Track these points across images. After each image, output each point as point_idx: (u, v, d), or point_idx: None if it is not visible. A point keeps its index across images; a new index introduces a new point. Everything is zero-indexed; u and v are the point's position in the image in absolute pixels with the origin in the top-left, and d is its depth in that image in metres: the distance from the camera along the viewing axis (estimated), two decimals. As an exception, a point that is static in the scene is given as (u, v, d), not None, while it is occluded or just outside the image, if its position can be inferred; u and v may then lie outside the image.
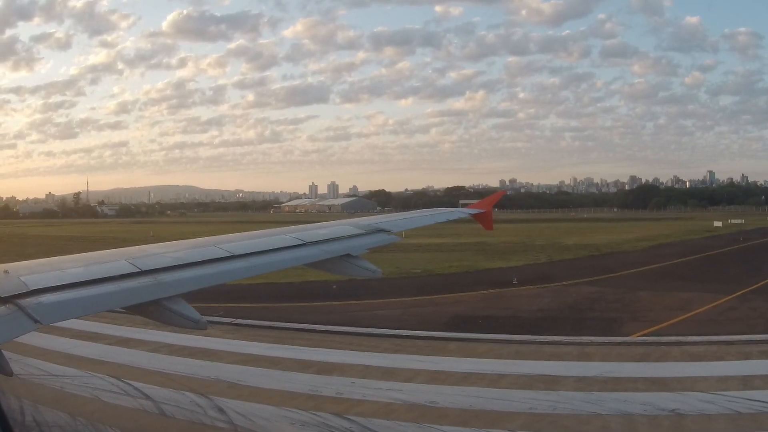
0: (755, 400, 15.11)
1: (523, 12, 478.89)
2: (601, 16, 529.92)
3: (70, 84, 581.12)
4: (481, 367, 18.86)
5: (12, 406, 14.71)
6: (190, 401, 15.73)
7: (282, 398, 16.07)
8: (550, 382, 17.28)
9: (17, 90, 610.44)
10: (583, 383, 17.15)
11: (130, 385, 16.95)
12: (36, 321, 6.22)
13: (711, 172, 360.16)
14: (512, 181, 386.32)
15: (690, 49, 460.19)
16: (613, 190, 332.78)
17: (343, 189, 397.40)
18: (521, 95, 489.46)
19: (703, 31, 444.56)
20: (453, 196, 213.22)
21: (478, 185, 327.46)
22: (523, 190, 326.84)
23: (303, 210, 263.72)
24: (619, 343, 22.03)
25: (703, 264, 49.26)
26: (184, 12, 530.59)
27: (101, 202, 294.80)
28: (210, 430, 14.05)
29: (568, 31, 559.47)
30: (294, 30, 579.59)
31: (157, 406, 15.39)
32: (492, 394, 16.30)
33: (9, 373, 6.70)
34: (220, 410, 15.05)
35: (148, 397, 15.95)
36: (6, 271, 7.15)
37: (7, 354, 6.56)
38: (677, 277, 40.43)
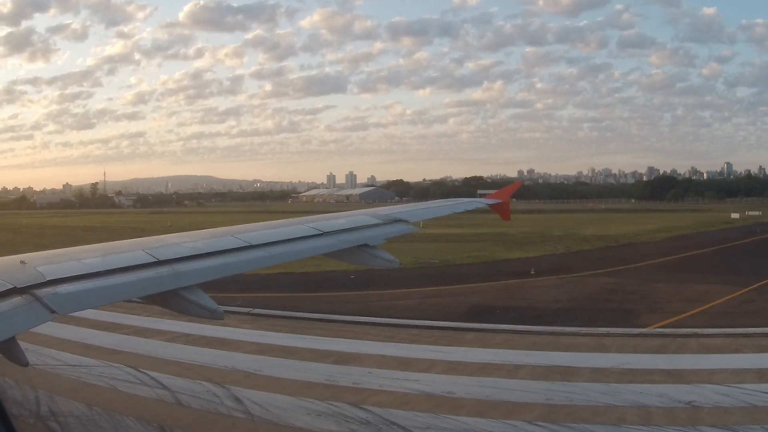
0: (772, 393, 15.04)
1: (540, 2, 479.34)
2: (619, 6, 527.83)
3: (86, 75, 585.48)
4: (498, 358, 18.83)
5: (27, 396, 14.74)
6: (207, 391, 15.74)
7: (299, 388, 16.06)
8: (567, 373, 17.23)
9: (34, 81, 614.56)
10: (600, 374, 17.10)
11: (146, 374, 16.98)
12: (52, 311, 6.19)
13: (728, 164, 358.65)
14: (530, 171, 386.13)
15: (707, 40, 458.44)
16: (630, 181, 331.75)
17: (361, 179, 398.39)
18: (539, 85, 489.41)
19: (720, 22, 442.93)
20: (471, 186, 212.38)
21: (496, 175, 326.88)
22: (540, 181, 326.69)
23: (321, 200, 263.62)
24: (635, 335, 21.89)
25: (720, 256, 49.07)
26: (201, 2, 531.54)
27: (118, 193, 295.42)
28: (226, 420, 14.05)
29: (585, 22, 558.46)
30: (311, 20, 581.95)
31: (173, 395, 15.41)
32: (509, 385, 16.27)
33: (24, 364, 6.69)
34: (237, 400, 15.05)
35: (165, 387, 15.97)
36: (22, 262, 7.12)
37: (23, 344, 6.54)
38: (694, 269, 40.34)
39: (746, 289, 31.03)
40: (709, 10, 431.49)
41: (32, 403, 14.47)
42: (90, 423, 13.82)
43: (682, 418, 13.82)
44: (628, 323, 24.14)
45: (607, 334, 21.81)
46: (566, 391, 15.68)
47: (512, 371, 17.58)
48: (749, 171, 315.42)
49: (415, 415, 14.15)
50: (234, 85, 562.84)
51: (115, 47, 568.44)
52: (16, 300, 6.14)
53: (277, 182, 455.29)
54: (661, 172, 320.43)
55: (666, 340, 20.90)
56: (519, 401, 15.10)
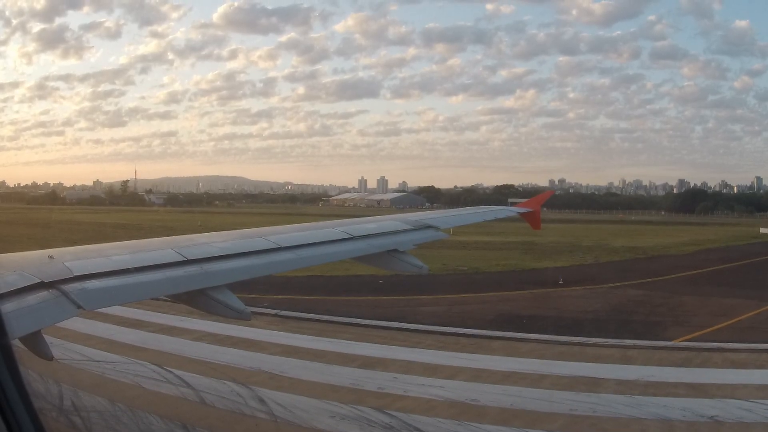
0: (797, 410, 14.89)
1: (574, 12, 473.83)
2: (651, 17, 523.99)
3: (119, 73, 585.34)
4: (524, 367, 18.77)
5: (51, 390, 14.78)
6: (231, 391, 15.77)
7: (323, 391, 16.07)
8: (592, 384, 17.18)
9: (66, 78, 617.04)
10: (624, 386, 17.05)
11: (171, 372, 17.03)
12: (79, 306, 6.19)
13: (759, 178, 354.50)
14: (561, 180, 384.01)
15: (739, 53, 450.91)
16: (661, 192, 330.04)
17: (393, 184, 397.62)
18: (571, 95, 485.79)
19: (752, 35, 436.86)
20: (502, 195, 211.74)
21: (527, 184, 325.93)
22: (572, 190, 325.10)
23: (352, 204, 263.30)
24: (661, 348, 21.77)
25: (748, 270, 48.52)
26: (235, 4, 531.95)
27: (149, 191, 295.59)
28: (249, 420, 14.06)
29: (618, 32, 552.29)
30: (345, 24, 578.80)
31: (197, 394, 15.45)
32: (533, 394, 16.25)
33: (49, 358, 6.69)
34: (261, 401, 15.07)
35: (189, 386, 16.02)
36: (51, 257, 7.12)
37: (48, 338, 6.54)
38: (721, 283, 39.95)
39: (774, 305, 30.66)
40: (741, 23, 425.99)
41: (55, 397, 14.53)
42: (113, 419, 13.89)
43: (705, 433, 13.78)
44: (653, 336, 23.92)
45: (633, 346, 21.67)
46: (590, 402, 15.65)
47: (537, 381, 17.52)
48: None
49: (439, 422, 14.15)
50: (267, 88, 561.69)
51: (149, 46, 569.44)
52: (42, 294, 6.14)
53: (309, 185, 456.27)
54: (692, 184, 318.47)
55: (691, 354, 20.82)
56: (543, 411, 15.09)
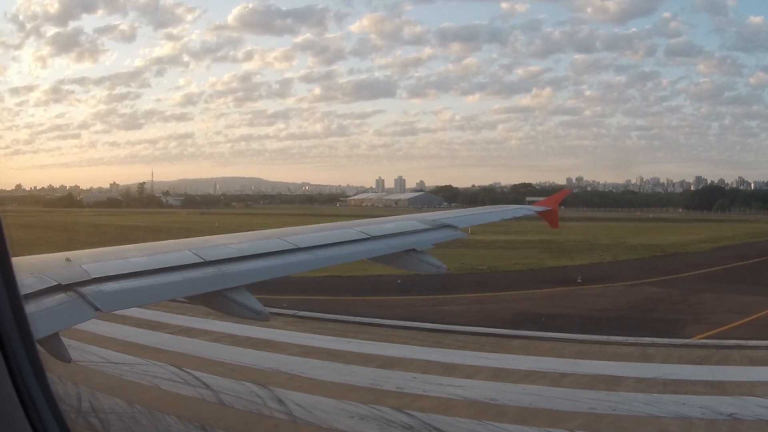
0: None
1: (589, 9, 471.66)
2: (666, 14, 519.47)
3: (135, 75, 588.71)
4: (543, 366, 18.70)
5: (69, 392, 14.80)
6: (250, 392, 15.74)
7: (342, 391, 16.03)
8: (611, 383, 17.10)
9: (81, 81, 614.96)
10: (643, 384, 16.96)
11: (189, 374, 17.02)
12: (96, 308, 6.19)
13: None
14: (579, 179, 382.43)
15: (754, 49, 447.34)
16: (678, 190, 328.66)
17: (410, 184, 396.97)
18: (587, 93, 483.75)
19: (766, 30, 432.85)
20: (520, 193, 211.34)
21: (545, 182, 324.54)
22: (589, 189, 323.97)
23: (369, 204, 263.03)
24: (680, 346, 21.68)
25: (766, 267, 48.32)
26: (250, 6, 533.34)
27: (166, 193, 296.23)
28: (269, 421, 14.03)
29: (633, 29, 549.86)
30: (360, 25, 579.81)
31: (216, 395, 15.43)
32: (553, 393, 16.19)
33: (67, 360, 6.68)
34: (280, 401, 15.03)
35: (208, 387, 16.01)
36: (68, 259, 7.12)
37: (66, 341, 6.53)
38: (739, 280, 39.74)
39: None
40: (755, 19, 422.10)
41: (74, 399, 14.54)
42: (131, 420, 13.89)
43: (724, 430, 13.80)
44: (672, 333, 23.82)
45: (652, 344, 21.56)
46: (609, 400, 15.57)
47: (557, 379, 17.45)
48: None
49: (458, 421, 14.10)
50: (283, 88, 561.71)
51: (164, 49, 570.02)
52: (60, 297, 6.14)
53: (326, 185, 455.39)
54: (709, 181, 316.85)
55: (710, 351, 20.73)
56: (562, 410, 15.02)
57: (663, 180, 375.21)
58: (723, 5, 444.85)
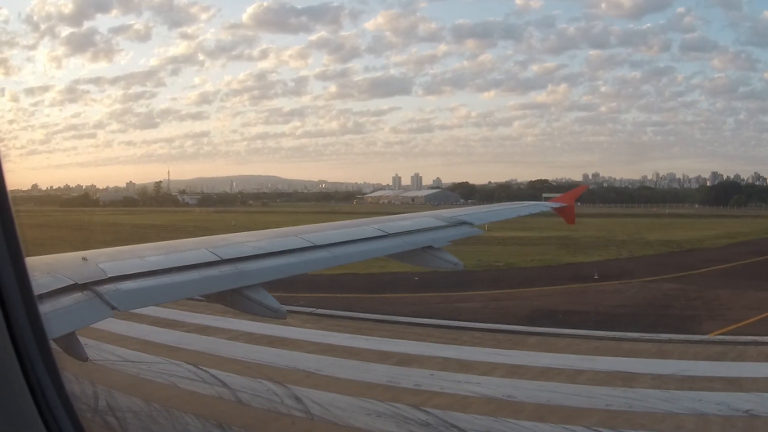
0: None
1: (603, 5, 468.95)
2: (680, 9, 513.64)
3: (150, 75, 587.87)
4: (560, 362, 18.69)
5: (86, 390, 14.83)
6: (267, 389, 15.76)
7: (359, 389, 16.03)
8: (628, 379, 17.08)
9: (97, 81, 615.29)
10: (660, 381, 16.93)
11: (207, 372, 17.06)
12: (113, 307, 6.19)
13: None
14: (595, 175, 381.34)
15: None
16: (695, 185, 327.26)
17: (427, 181, 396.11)
18: (603, 89, 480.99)
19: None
20: (536, 190, 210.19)
21: (561, 179, 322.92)
22: (605, 185, 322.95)
23: (386, 201, 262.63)
24: (696, 342, 21.65)
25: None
26: (264, 4, 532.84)
27: (182, 191, 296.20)
28: (286, 419, 14.05)
29: (648, 25, 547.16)
30: (375, 22, 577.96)
31: (233, 393, 15.46)
32: (569, 390, 16.20)
33: (84, 359, 6.70)
34: (297, 399, 15.04)
35: (225, 385, 16.03)
36: (84, 258, 7.12)
37: (83, 339, 6.54)
38: (755, 276, 39.53)
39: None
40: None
41: (90, 398, 14.59)
42: (148, 419, 13.92)
43: (740, 427, 13.81)
44: (689, 330, 23.72)
45: (669, 341, 21.52)
46: (626, 397, 15.54)
47: (573, 376, 17.43)
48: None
49: (475, 418, 14.09)
50: (298, 86, 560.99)
51: (179, 48, 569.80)
52: (76, 296, 6.14)
53: (343, 183, 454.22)
54: (725, 177, 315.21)
55: (726, 348, 20.68)
56: (578, 406, 15.01)
57: (679, 176, 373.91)
58: (737, 0, 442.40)
